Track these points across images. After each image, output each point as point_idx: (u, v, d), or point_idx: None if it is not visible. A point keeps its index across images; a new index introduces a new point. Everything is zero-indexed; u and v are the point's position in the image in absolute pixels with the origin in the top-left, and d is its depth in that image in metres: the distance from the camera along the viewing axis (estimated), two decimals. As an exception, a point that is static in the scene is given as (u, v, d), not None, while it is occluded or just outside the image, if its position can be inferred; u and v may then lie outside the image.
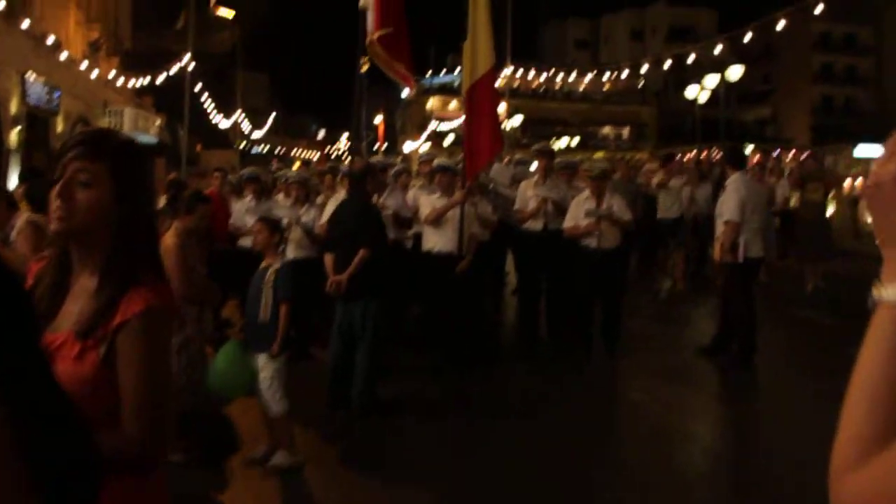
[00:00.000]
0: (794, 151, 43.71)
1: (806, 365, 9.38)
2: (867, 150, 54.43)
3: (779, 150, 35.41)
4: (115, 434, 2.01)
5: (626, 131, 70.36)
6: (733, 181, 9.07)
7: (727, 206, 8.89)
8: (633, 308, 11.02)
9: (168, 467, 5.46)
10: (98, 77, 26.18)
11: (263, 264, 5.97)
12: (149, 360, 2.06)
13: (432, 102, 62.64)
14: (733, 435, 7.35)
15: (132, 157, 2.20)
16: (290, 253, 9.26)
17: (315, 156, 67.70)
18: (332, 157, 72.68)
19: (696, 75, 39.79)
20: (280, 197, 10.91)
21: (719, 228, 9.01)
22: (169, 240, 5.92)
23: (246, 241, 9.28)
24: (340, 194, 9.55)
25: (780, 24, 22.87)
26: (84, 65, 24.64)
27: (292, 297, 5.86)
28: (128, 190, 2.12)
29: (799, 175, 14.73)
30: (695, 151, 39.47)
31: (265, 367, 5.77)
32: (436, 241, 8.98)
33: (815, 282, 13.62)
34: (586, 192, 9.45)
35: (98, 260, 2.10)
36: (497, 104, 9.31)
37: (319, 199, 10.72)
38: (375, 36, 8.18)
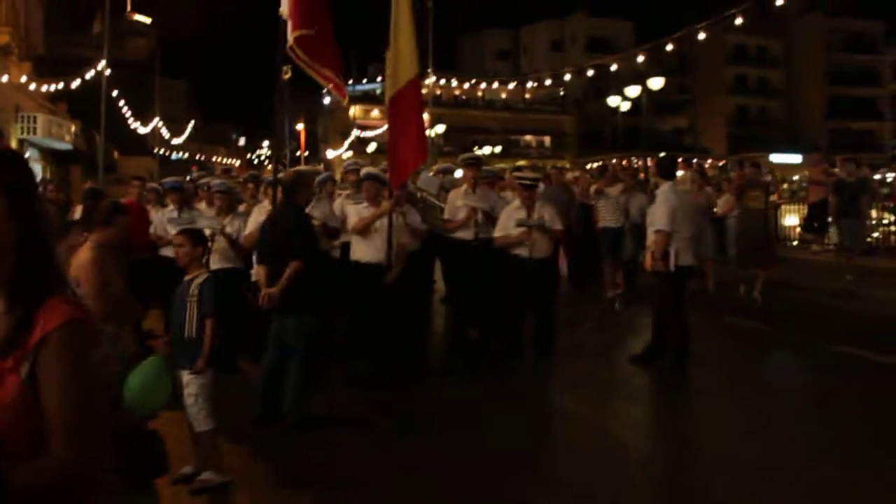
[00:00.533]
0: (710, 160, 44.71)
1: (738, 371, 9.43)
2: (780, 158, 56.27)
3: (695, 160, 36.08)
4: (40, 462, 1.84)
5: (547, 139, 71.10)
6: (663, 191, 9.11)
7: (657, 216, 8.91)
8: (566, 317, 11.00)
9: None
10: (9, 82, 25.35)
11: (187, 277, 5.73)
12: (75, 376, 1.88)
13: (354, 110, 62.38)
14: (669, 444, 7.29)
15: (22, 169, 2.03)
16: (215, 264, 8.98)
17: (236, 163, 66.92)
18: (255, 163, 71.90)
19: (615, 85, 40.40)
20: (202, 206, 10.62)
21: (650, 238, 9.03)
22: (84, 254, 5.63)
23: (168, 251, 9.00)
24: (264, 204, 9.33)
25: (700, 36, 23.31)
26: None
27: (217, 311, 5.63)
28: (23, 204, 1.94)
29: (740, 183, 14.48)
30: (614, 160, 40.05)
31: (191, 383, 5.54)
32: (363, 251, 8.82)
33: (755, 289, 13.37)
34: (517, 202, 9.41)
35: (1, 280, 1.93)
36: (421, 113, 9.16)
37: (242, 208, 10.47)
38: (293, 37, 7.94)
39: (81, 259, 5.63)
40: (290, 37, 7.91)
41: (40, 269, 1.95)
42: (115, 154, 39.74)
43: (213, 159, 70.12)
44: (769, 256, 13.80)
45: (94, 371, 1.96)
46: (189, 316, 5.57)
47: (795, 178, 43.25)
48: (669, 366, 8.99)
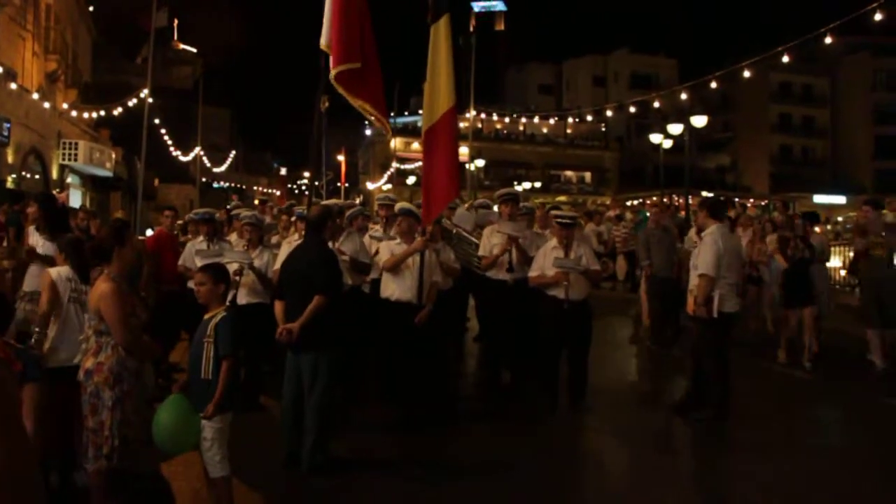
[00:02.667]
0: (752, 200, 44.18)
1: (782, 425, 8.96)
2: (824, 199, 55.68)
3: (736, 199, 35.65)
4: None
5: (588, 175, 70.80)
6: (711, 233, 8.74)
7: (703, 259, 8.56)
8: (602, 361, 10.64)
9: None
10: (53, 109, 25.61)
11: (206, 316, 5.50)
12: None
13: (395, 143, 62.45)
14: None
15: None
16: (242, 298, 8.81)
17: (277, 192, 67.33)
18: (296, 193, 72.29)
19: (657, 122, 40.09)
20: (234, 238, 10.45)
21: (693, 281, 8.69)
22: (102, 285, 5.44)
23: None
24: (294, 237, 9.13)
25: (745, 74, 23.02)
26: (36, 96, 24.05)
27: (234, 353, 5.39)
28: None
29: (860, 227, 12.29)
30: (654, 198, 39.63)
31: (205, 427, 5.29)
32: (394, 288, 8.59)
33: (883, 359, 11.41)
34: (553, 241, 9.12)
35: None
36: (456, 146, 8.87)
37: (275, 240, 10.28)
38: (334, 72, 7.78)
39: (100, 291, 5.45)
40: (332, 71, 7.74)
41: None
42: (156, 182, 40.11)
43: (255, 188, 70.61)
44: None
45: (16, 416, 1.74)
46: (206, 357, 5.33)
47: (840, 219, 42.58)
48: (709, 416, 8.61)
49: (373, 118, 8.36)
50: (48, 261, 7.64)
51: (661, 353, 12.61)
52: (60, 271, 6.19)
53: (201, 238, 10.15)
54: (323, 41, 7.98)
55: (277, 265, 8.68)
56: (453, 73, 8.47)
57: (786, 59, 21.09)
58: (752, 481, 7.00)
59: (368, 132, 69.30)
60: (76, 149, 26.94)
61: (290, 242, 8.89)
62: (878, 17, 17.43)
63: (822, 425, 9.18)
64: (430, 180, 8.41)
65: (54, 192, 19.86)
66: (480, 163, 47.87)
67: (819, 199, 56.93)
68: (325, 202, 9.61)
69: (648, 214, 24.63)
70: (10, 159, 22.87)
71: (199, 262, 8.33)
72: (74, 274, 6.20)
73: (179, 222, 14.44)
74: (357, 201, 18.84)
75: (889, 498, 6.69)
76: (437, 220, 9.21)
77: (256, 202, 34.10)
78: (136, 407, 5.56)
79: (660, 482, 7.05)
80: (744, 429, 8.62)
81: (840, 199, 58.56)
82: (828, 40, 19.19)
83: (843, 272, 19.54)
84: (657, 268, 13.20)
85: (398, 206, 9.57)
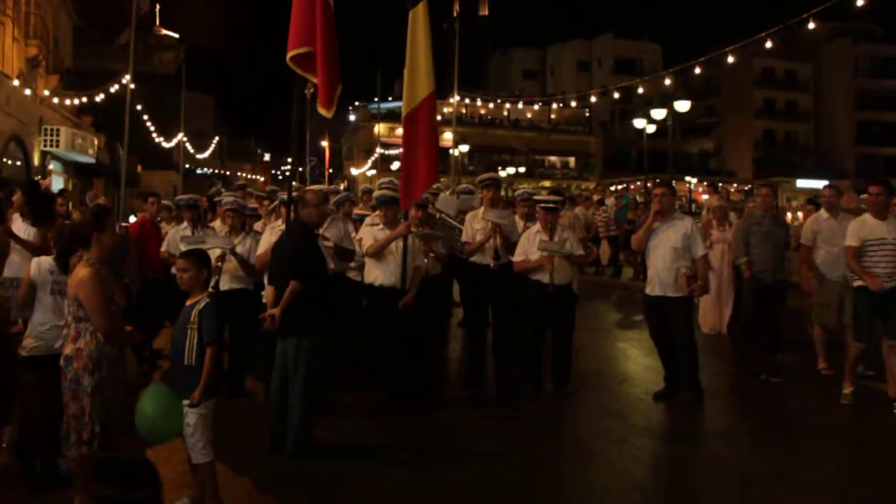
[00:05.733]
0: (735, 185, 44.35)
1: (765, 409, 8.98)
2: (807, 184, 55.88)
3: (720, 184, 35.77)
4: None
5: (572, 160, 70.81)
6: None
7: (700, 241, 8.78)
8: (586, 346, 10.65)
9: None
10: (34, 95, 25.40)
11: (189, 302, 5.49)
12: None
13: (379, 128, 62.39)
14: (685, 485, 6.96)
15: None
16: (224, 284, 8.78)
17: (261, 179, 67.18)
18: (280, 179, 72.13)
19: (641, 107, 40.15)
20: (217, 224, 10.42)
21: (678, 263, 8.65)
22: (81, 271, 5.41)
23: (179, 269, 8.79)
24: (277, 223, 9.12)
25: (729, 59, 23.10)
26: (17, 82, 23.84)
27: (218, 339, 5.39)
28: None
29: None
30: (638, 183, 39.78)
31: (188, 413, 5.29)
32: (377, 274, 8.64)
33: None
34: (537, 226, 9.12)
35: None
36: (435, 132, 8.84)
37: (258, 226, 10.25)
38: (289, 55, 7.71)
39: (79, 277, 5.41)
40: (288, 54, 7.68)
41: None
42: (139, 168, 39.90)
43: (239, 174, 70.50)
44: None
45: None
46: (189, 343, 5.32)
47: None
48: (688, 399, 8.69)
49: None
50: (25, 244, 7.67)
51: (773, 382, 9.89)
52: (41, 263, 6.12)
53: (185, 224, 10.14)
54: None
55: (260, 250, 8.69)
56: (432, 58, 8.47)
57: (769, 44, 21.15)
58: (735, 464, 7.06)
59: (352, 118, 69.15)
60: (58, 135, 26.72)
61: (274, 228, 8.88)
62: (859, 2, 17.50)
63: (807, 414, 9.19)
64: (409, 166, 8.42)
65: (37, 178, 19.76)
66: (465, 148, 47.88)
67: (802, 183, 57.19)
68: (308, 188, 9.58)
69: (631, 198, 24.68)
70: (-10, 146, 22.73)
71: (182, 248, 8.30)
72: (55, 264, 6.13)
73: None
74: (341, 187, 18.80)
75: (864, 482, 6.75)
76: (422, 205, 9.23)
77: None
78: (115, 393, 5.54)
79: (643, 466, 7.10)
80: (724, 412, 8.68)
81: (823, 184, 58.80)
82: (810, 26, 19.28)
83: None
84: (760, 268, 10.10)
85: (376, 194, 9.63)
